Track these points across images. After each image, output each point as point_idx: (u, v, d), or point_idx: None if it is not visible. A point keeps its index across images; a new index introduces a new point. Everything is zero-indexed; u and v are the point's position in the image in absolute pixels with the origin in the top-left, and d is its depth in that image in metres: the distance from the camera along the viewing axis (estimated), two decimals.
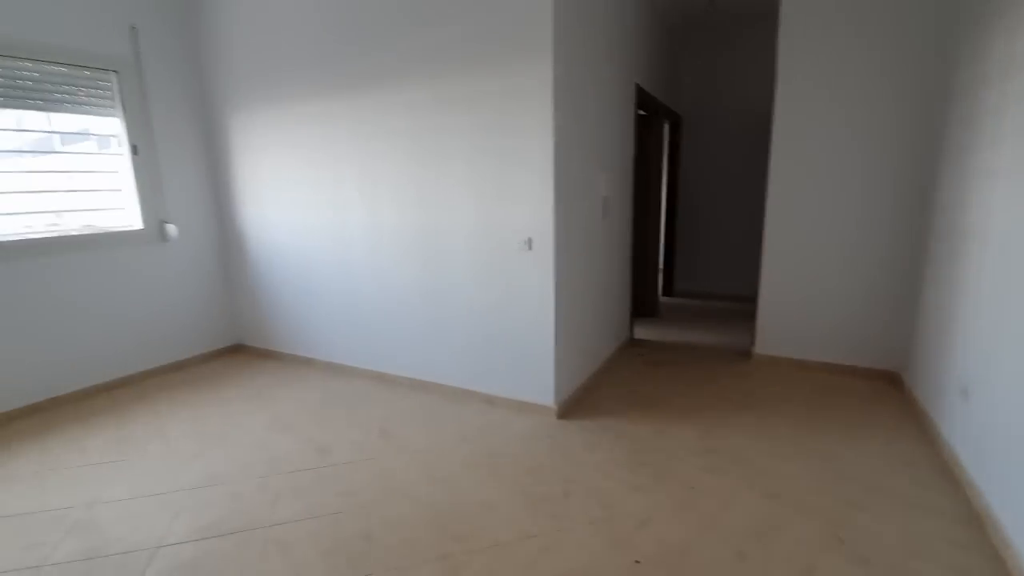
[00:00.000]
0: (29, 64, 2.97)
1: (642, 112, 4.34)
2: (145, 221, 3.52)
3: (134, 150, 3.44)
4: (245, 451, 2.54)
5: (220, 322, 4.06)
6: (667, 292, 5.81)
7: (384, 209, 3.16)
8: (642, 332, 4.42)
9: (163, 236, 3.62)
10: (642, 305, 4.83)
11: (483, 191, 2.79)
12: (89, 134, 3.36)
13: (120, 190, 3.44)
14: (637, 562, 1.72)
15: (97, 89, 3.27)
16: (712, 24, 5.03)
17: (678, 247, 5.71)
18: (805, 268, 3.36)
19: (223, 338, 4.10)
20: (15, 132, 3.05)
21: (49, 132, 3.21)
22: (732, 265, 5.44)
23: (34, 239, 3.03)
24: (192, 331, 3.87)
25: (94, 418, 2.96)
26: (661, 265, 5.53)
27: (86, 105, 3.24)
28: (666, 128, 5.32)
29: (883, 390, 3.10)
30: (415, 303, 3.17)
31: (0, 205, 2.93)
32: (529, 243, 2.71)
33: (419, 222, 3.04)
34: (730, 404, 2.96)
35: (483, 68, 2.65)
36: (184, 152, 3.72)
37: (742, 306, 5.22)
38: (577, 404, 3.00)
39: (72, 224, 3.25)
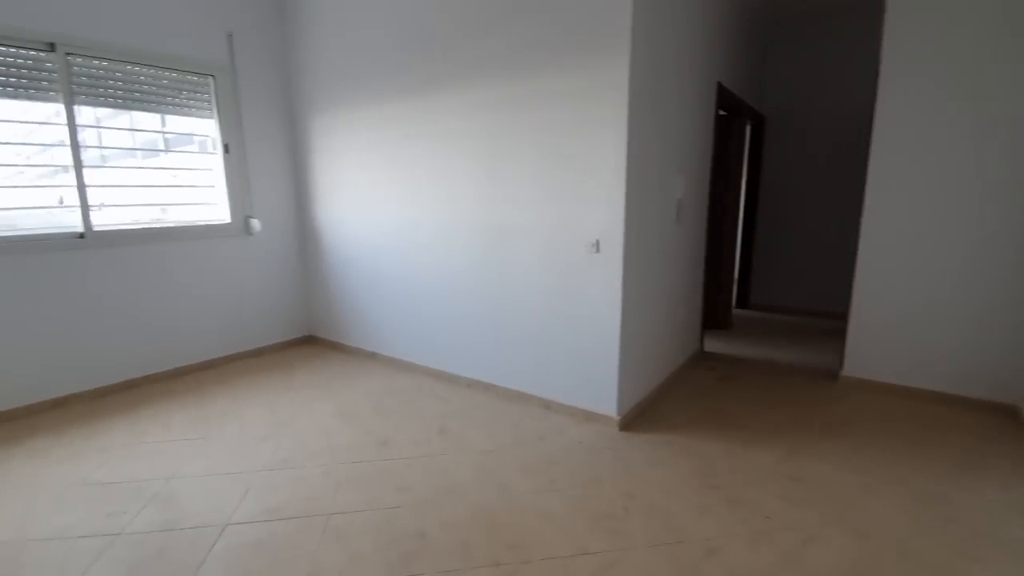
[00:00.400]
0: (141, 70, 3.25)
1: (723, 112, 4.11)
2: (233, 216, 3.76)
3: (226, 149, 3.68)
4: (311, 438, 2.62)
5: (294, 314, 4.27)
6: (741, 304, 5.47)
7: (451, 209, 3.18)
8: (713, 345, 4.17)
9: (248, 230, 3.85)
10: (714, 316, 4.56)
11: (552, 192, 2.73)
12: (188, 134, 3.63)
13: (213, 186, 3.70)
14: None
15: (197, 92, 3.54)
16: (803, 16, 4.69)
17: (756, 255, 5.36)
18: (908, 284, 3.02)
19: (296, 329, 4.30)
20: (128, 132, 3.35)
21: (156, 132, 3.50)
22: (816, 277, 5.02)
23: (140, 229, 3.31)
24: (269, 321, 4.09)
25: (179, 397, 3.19)
26: (736, 274, 5.21)
27: (187, 107, 3.51)
28: (748, 129, 5.02)
29: (999, 425, 2.71)
30: (479, 303, 3.16)
31: (115, 198, 3.22)
32: (597, 245, 2.61)
33: (486, 222, 3.03)
34: (813, 429, 2.70)
35: (557, 67, 2.59)
36: (269, 151, 3.95)
37: (826, 322, 4.81)
38: (640, 416, 2.85)
39: (172, 217, 3.53)
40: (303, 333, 4.35)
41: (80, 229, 3.06)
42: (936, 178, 2.87)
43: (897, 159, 2.97)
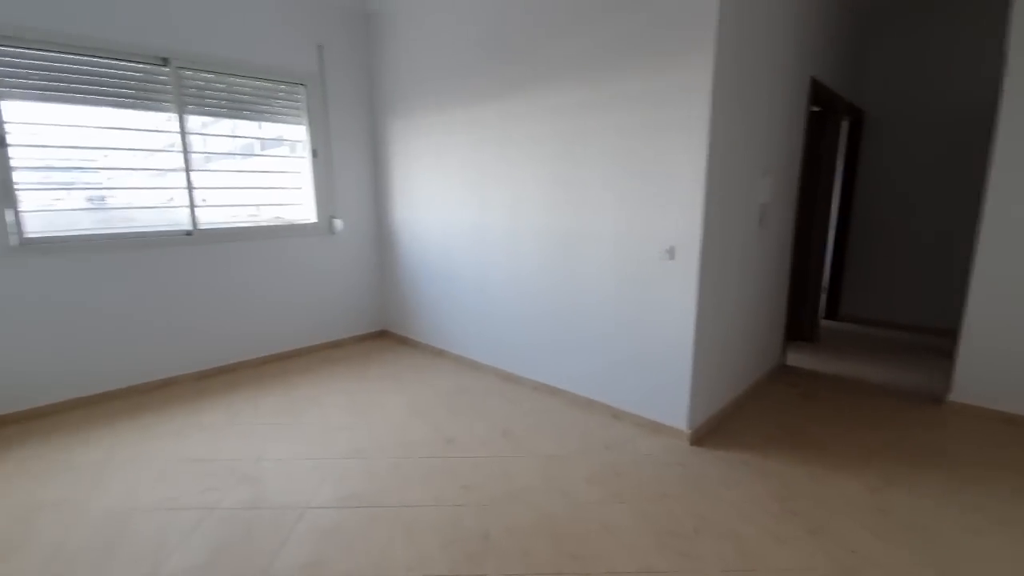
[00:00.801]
0: (241, 80, 3.53)
1: (816, 108, 3.82)
2: (319, 216, 4.00)
3: (314, 154, 3.92)
4: (383, 430, 2.74)
5: (370, 309, 4.47)
6: (830, 315, 5.07)
7: (521, 212, 3.19)
8: (796, 359, 3.90)
9: (331, 229, 4.08)
10: (798, 328, 4.26)
11: (625, 197, 2.66)
12: (281, 140, 3.90)
13: (301, 188, 3.95)
14: None
15: (289, 101, 3.79)
16: (910, 3, 4.25)
17: (848, 264, 4.95)
18: None
19: (371, 323, 4.50)
20: (226, 138, 3.66)
21: (251, 138, 3.79)
22: (916, 289, 4.55)
23: (238, 228, 3.61)
24: (347, 315, 4.31)
25: (268, 383, 3.44)
26: (825, 283, 4.84)
27: (280, 114, 3.76)
28: (845, 126, 4.64)
29: None
30: (547, 307, 3.15)
31: (215, 199, 3.53)
32: (672, 252, 2.51)
33: (556, 226, 3.01)
34: (911, 458, 2.45)
35: (634, 69, 2.52)
36: (351, 155, 4.15)
37: (926, 339, 4.35)
38: (714, 431, 2.72)
39: (263, 216, 3.81)
40: (377, 328, 4.55)
41: (188, 227, 3.38)
42: None
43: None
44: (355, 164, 4.19)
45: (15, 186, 2.79)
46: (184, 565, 1.76)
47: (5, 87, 2.72)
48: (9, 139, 2.75)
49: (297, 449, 2.55)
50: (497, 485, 2.23)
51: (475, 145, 3.41)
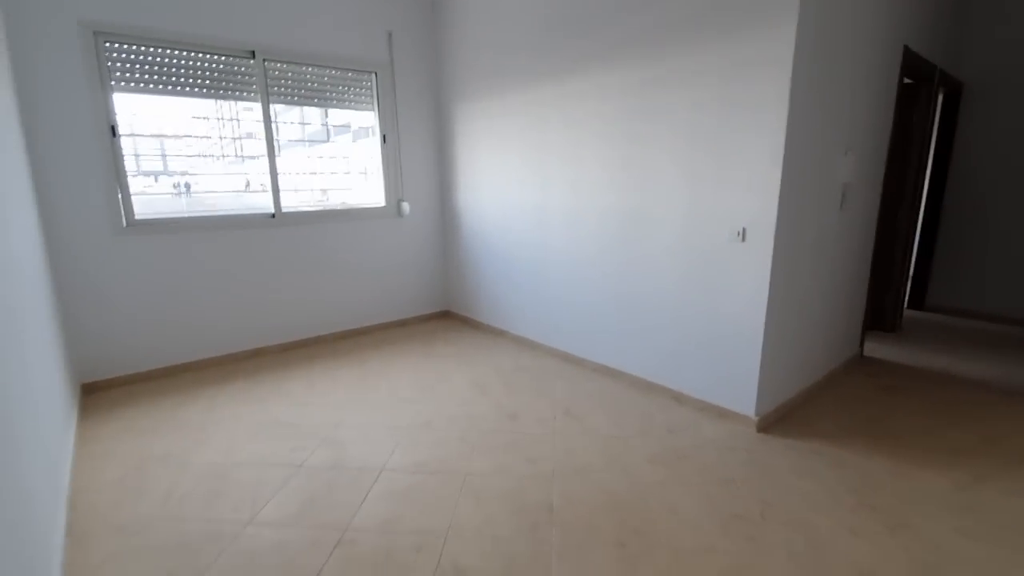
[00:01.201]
0: (317, 70, 3.71)
1: (908, 80, 3.54)
2: (387, 199, 4.17)
3: (383, 139, 4.08)
4: (449, 404, 2.86)
5: (435, 290, 4.63)
6: (916, 304, 4.73)
7: (583, 193, 3.18)
8: (876, 350, 3.68)
9: (399, 212, 4.24)
10: (879, 317, 4.02)
11: (692, 177, 2.60)
12: (352, 127, 4.08)
13: (371, 173, 4.13)
14: None
15: (360, 88, 3.95)
16: None
17: (939, 250, 4.57)
18: None
19: (435, 304, 4.66)
20: (301, 125, 3.87)
21: (327, 125, 3.99)
22: (1015, 278, 4.15)
23: (315, 211, 3.83)
24: (413, 295, 4.49)
25: (343, 357, 3.66)
26: (911, 271, 4.51)
27: (351, 102, 3.93)
28: (940, 99, 4.26)
29: None
30: (609, 289, 3.15)
31: (294, 184, 3.76)
32: (743, 234, 2.44)
33: (622, 206, 2.99)
34: (1004, 455, 2.28)
35: (705, 41, 2.44)
36: (418, 140, 4.28)
37: None
38: (783, 419, 2.65)
39: (335, 200, 4.02)
40: (440, 308, 4.71)
41: (272, 210, 3.63)
42: None
43: None
44: (421, 148, 4.32)
45: (128, 173, 3.11)
46: (278, 514, 1.94)
47: (117, 81, 3.01)
48: (119, 130, 3.06)
49: (371, 418, 2.72)
50: (559, 460, 2.29)
51: (537, 126, 3.43)
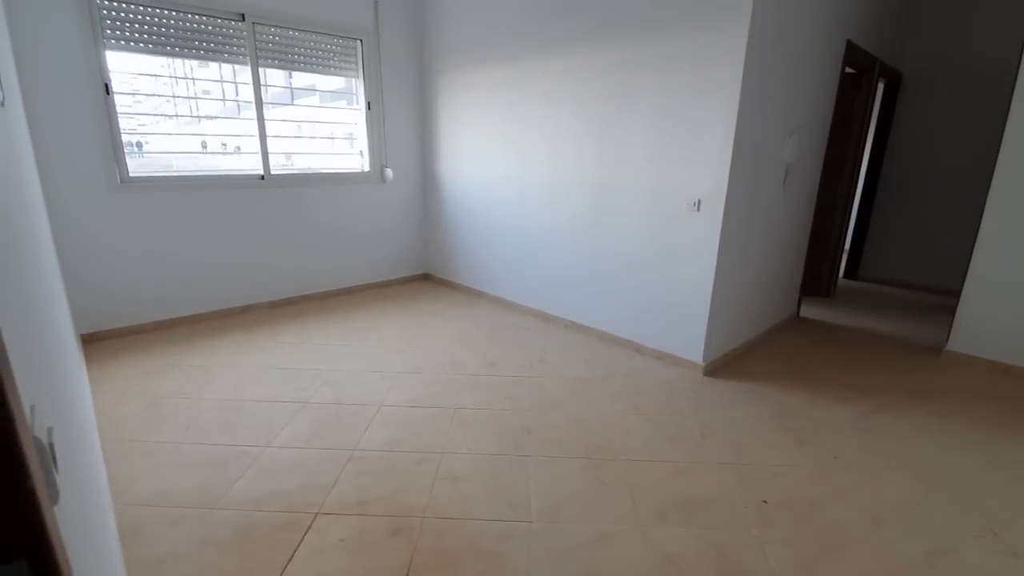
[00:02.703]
0: (305, 35, 3.82)
1: (851, 70, 3.93)
2: (371, 165, 4.36)
3: (368, 106, 4.23)
4: (436, 353, 3.18)
5: (416, 253, 4.88)
6: (851, 274, 5.28)
7: (560, 165, 3.47)
8: (811, 311, 4.17)
9: (382, 178, 4.43)
10: (816, 283, 4.51)
11: (658, 153, 2.93)
12: (338, 92, 4.21)
13: (356, 139, 4.29)
14: (764, 502, 1.88)
15: (346, 55, 4.07)
16: None
17: (873, 225, 5.10)
18: None
19: (416, 267, 4.92)
20: (294, 90, 3.99)
21: (314, 90, 4.11)
22: (938, 252, 4.71)
23: (302, 174, 4.00)
24: (395, 258, 4.73)
25: (330, 313, 3.91)
26: (848, 243, 5.02)
27: (338, 68, 4.06)
28: (880, 88, 4.70)
29: None
30: (581, 252, 3.48)
31: (284, 147, 3.90)
32: (698, 205, 2.80)
33: (592, 179, 3.30)
34: (902, 393, 2.77)
35: (673, 31, 2.73)
36: (402, 108, 4.45)
37: (941, 299, 4.55)
38: (726, 366, 3.08)
39: (324, 164, 4.18)
40: (421, 271, 4.97)
41: (261, 172, 3.78)
42: None
43: None
44: (405, 117, 4.49)
45: (121, 131, 3.21)
46: (293, 437, 2.24)
47: (108, 38, 3.08)
48: (112, 87, 3.14)
49: (365, 363, 3.01)
50: (535, 397, 2.65)
51: (518, 101, 3.67)
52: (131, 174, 3.29)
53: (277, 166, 3.90)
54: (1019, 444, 2.30)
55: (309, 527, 1.73)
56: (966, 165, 4.46)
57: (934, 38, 4.48)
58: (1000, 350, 3.04)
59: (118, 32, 3.11)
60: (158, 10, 3.19)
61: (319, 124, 4.15)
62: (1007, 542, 1.71)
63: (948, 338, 3.24)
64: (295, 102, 4.04)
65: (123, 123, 3.22)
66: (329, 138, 4.22)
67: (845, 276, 5.30)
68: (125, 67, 3.19)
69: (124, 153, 3.24)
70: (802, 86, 3.12)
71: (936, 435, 2.36)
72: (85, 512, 0.91)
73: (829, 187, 4.15)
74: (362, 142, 4.31)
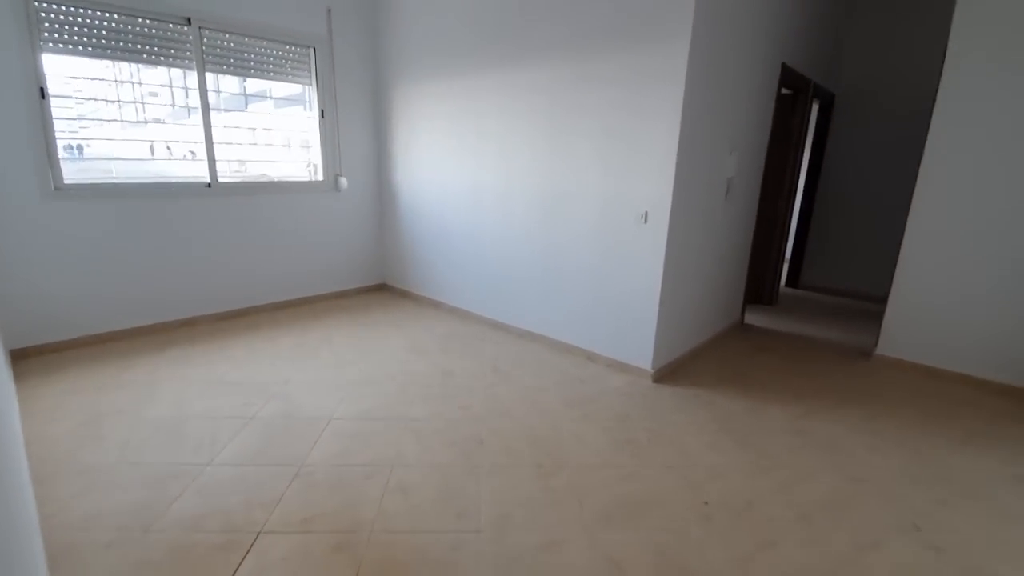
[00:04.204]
0: (255, 42, 3.75)
1: (787, 91, 4.18)
2: (325, 173, 4.30)
3: (321, 114, 4.19)
4: (389, 364, 3.15)
5: (371, 263, 4.83)
6: (792, 283, 5.56)
7: (514, 177, 3.54)
8: (754, 319, 4.38)
9: (336, 187, 4.38)
10: (759, 292, 4.74)
11: (608, 166, 3.03)
12: (291, 100, 4.15)
13: (310, 147, 4.24)
14: (705, 503, 1.96)
15: (299, 62, 4.03)
16: None
17: (811, 237, 5.40)
18: (950, 271, 3.13)
19: (372, 277, 4.87)
20: (239, 96, 3.90)
21: (262, 97, 4.03)
22: (871, 261, 5.04)
23: (251, 182, 3.91)
24: (351, 268, 4.67)
25: (283, 325, 3.82)
26: (788, 254, 5.30)
27: (290, 75, 4.01)
28: (815, 107, 5.01)
29: (1022, 409, 2.85)
30: (534, 263, 3.54)
31: (223, 155, 3.80)
32: (645, 216, 2.91)
33: (545, 191, 3.38)
34: (835, 397, 2.94)
35: (618, 51, 2.85)
36: (356, 117, 4.43)
37: (875, 306, 4.86)
38: (673, 372, 3.19)
39: (275, 172, 4.10)
40: (377, 281, 4.92)
41: (207, 180, 3.68)
42: (991, 170, 2.93)
43: (952, 146, 3.03)
44: (359, 125, 4.46)
45: (56, 136, 3.06)
46: (237, 453, 2.18)
47: (45, 41, 2.95)
48: (49, 91, 3.00)
49: (316, 376, 2.96)
50: (487, 406, 2.67)
51: (473, 111, 3.72)
52: (66, 181, 3.14)
53: (229, 173, 3.80)
54: (943, 444, 2.48)
55: (251, 547, 1.69)
56: (893, 180, 4.81)
57: (862, 61, 4.82)
58: (924, 354, 3.28)
59: (56, 35, 2.98)
60: (99, 12, 3.07)
61: (272, 131, 4.07)
62: (929, 536, 1.84)
63: (877, 343, 3.47)
64: (248, 108, 3.96)
65: (61, 127, 3.07)
66: (285, 145, 4.15)
67: (787, 284, 5.58)
68: (64, 70, 3.06)
69: (59, 160, 3.09)
70: (741, 106, 3.29)
71: (865, 437, 2.52)
72: (8, 533, 0.87)
73: (769, 200, 4.38)
74: (316, 150, 4.25)
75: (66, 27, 3.00)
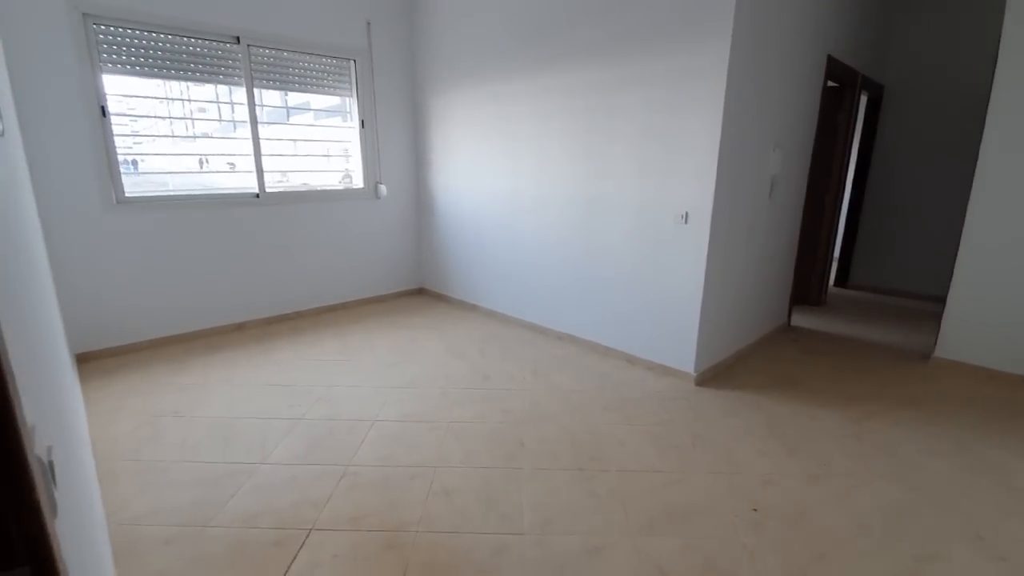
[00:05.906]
0: (298, 56, 3.89)
1: (834, 83, 4.03)
2: (366, 182, 4.41)
3: (362, 124, 4.30)
4: (429, 367, 3.20)
5: (409, 268, 4.91)
6: (841, 282, 5.34)
7: (551, 181, 3.53)
8: (802, 320, 4.22)
9: (376, 195, 4.49)
10: (806, 292, 4.57)
11: (645, 167, 2.99)
12: (333, 111, 4.28)
13: (351, 156, 4.35)
14: (754, 510, 1.90)
15: (340, 75, 4.15)
16: None
17: (861, 234, 5.18)
18: (1012, 270, 2.93)
19: (411, 281, 4.95)
20: (282, 109, 4.05)
21: (309, 110, 4.17)
22: (924, 259, 4.79)
23: (297, 191, 4.05)
24: (390, 273, 4.76)
25: (325, 329, 3.93)
26: (837, 253, 5.09)
27: (332, 87, 4.13)
28: (863, 101, 4.81)
29: None
30: (572, 265, 3.53)
31: (268, 166, 3.94)
32: (685, 218, 2.85)
33: (584, 193, 3.36)
34: (890, 400, 2.81)
35: (657, 51, 2.81)
36: (395, 125, 4.52)
37: (928, 306, 4.61)
38: (717, 375, 3.11)
39: (316, 181, 4.24)
40: (415, 285, 5.00)
41: (256, 190, 3.83)
42: None
43: (1011, 138, 2.85)
44: (398, 134, 4.56)
45: (117, 151, 3.25)
46: (288, 453, 2.25)
47: (104, 62, 3.14)
48: (109, 109, 3.19)
49: (358, 380, 3.03)
50: (528, 410, 2.67)
51: (509, 117, 3.74)
52: (126, 194, 3.33)
53: (273, 183, 3.94)
54: (1004, 449, 2.33)
55: (303, 543, 1.74)
56: (948, 174, 4.56)
57: (913, 52, 4.60)
58: (985, 356, 3.09)
59: (114, 56, 3.16)
60: (153, 34, 3.25)
61: (314, 142, 4.21)
62: (993, 546, 1.74)
63: (935, 345, 3.29)
64: (290, 120, 4.10)
65: (118, 143, 3.26)
66: (325, 155, 4.28)
67: (836, 284, 5.36)
68: (121, 89, 3.25)
69: (120, 174, 3.29)
70: (786, 101, 3.20)
71: (923, 442, 2.39)
72: (81, 528, 0.93)
73: (816, 197, 4.22)
74: (356, 159, 4.37)
75: (123, 48, 3.19)
